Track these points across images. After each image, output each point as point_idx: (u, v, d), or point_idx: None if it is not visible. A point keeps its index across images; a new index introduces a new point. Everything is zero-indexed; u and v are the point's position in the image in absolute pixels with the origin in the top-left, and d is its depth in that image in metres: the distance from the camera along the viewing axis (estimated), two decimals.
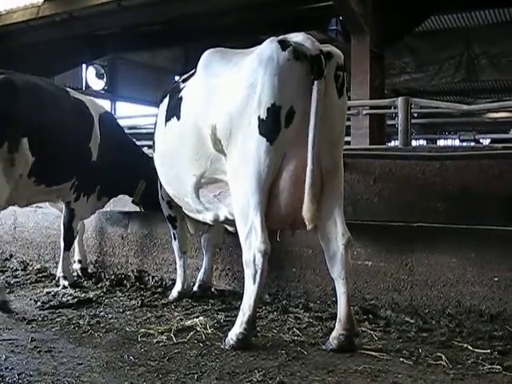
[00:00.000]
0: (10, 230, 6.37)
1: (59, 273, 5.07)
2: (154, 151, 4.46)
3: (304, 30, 4.15)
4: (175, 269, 4.70)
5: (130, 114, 17.24)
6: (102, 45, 14.24)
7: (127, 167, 5.23)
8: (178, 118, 3.90)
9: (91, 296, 4.60)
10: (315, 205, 3.17)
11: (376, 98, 8.79)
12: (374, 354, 3.18)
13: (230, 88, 3.42)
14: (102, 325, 3.81)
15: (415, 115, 8.47)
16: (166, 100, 4.22)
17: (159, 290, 4.85)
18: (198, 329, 3.65)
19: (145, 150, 6.12)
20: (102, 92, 19.76)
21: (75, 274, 5.41)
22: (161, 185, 4.52)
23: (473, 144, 11.32)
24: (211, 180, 3.72)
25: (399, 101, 6.58)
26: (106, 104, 17.37)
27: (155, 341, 3.43)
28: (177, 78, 19.07)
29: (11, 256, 6.25)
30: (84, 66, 18.80)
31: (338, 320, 3.31)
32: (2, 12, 12.51)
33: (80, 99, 5.09)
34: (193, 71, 3.98)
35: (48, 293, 4.72)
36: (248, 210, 3.27)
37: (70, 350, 3.27)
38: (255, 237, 3.23)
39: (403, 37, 11.45)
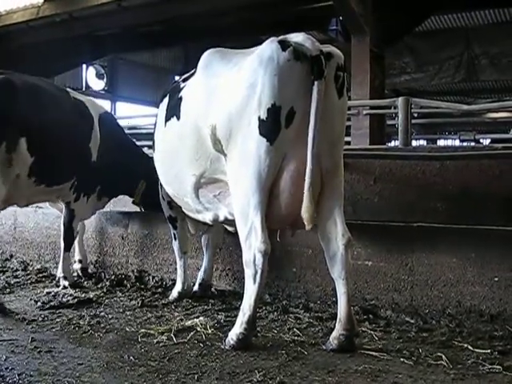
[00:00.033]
0: (11, 230, 6.37)
1: (59, 273, 5.07)
2: (153, 151, 4.46)
3: (304, 30, 4.16)
4: (175, 269, 4.70)
5: (130, 114, 17.24)
6: (101, 45, 14.24)
7: (127, 167, 5.23)
8: (178, 118, 3.90)
9: (91, 296, 4.60)
10: (314, 205, 3.17)
11: (376, 98, 8.79)
12: (374, 354, 3.18)
13: (230, 88, 3.41)
14: (102, 325, 3.80)
15: (415, 115, 8.47)
16: (166, 100, 4.22)
17: (159, 290, 4.84)
18: (199, 329, 3.64)
19: (145, 150, 6.12)
20: (102, 92, 19.79)
21: (75, 274, 5.41)
22: (161, 185, 4.53)
23: (473, 144, 11.33)
24: (211, 180, 3.72)
25: (399, 101, 6.59)
26: (105, 104, 17.38)
27: (155, 341, 3.43)
28: (177, 77, 19.01)
29: (11, 256, 6.26)
30: (84, 66, 18.83)
31: (338, 320, 3.31)
32: (2, 12, 12.52)
33: (80, 99, 5.10)
34: (193, 71, 3.98)
35: (48, 293, 4.71)
36: (248, 210, 3.27)
37: (71, 350, 3.27)
38: (255, 237, 3.22)
39: (403, 37, 11.46)
